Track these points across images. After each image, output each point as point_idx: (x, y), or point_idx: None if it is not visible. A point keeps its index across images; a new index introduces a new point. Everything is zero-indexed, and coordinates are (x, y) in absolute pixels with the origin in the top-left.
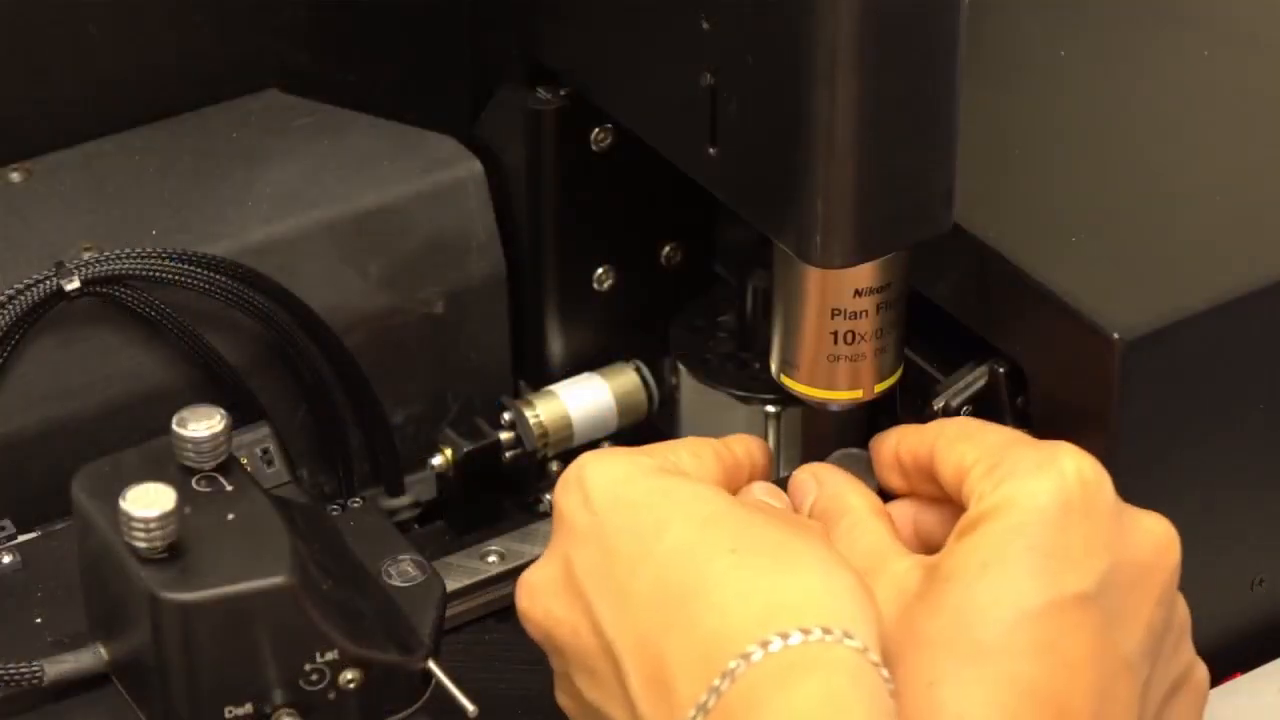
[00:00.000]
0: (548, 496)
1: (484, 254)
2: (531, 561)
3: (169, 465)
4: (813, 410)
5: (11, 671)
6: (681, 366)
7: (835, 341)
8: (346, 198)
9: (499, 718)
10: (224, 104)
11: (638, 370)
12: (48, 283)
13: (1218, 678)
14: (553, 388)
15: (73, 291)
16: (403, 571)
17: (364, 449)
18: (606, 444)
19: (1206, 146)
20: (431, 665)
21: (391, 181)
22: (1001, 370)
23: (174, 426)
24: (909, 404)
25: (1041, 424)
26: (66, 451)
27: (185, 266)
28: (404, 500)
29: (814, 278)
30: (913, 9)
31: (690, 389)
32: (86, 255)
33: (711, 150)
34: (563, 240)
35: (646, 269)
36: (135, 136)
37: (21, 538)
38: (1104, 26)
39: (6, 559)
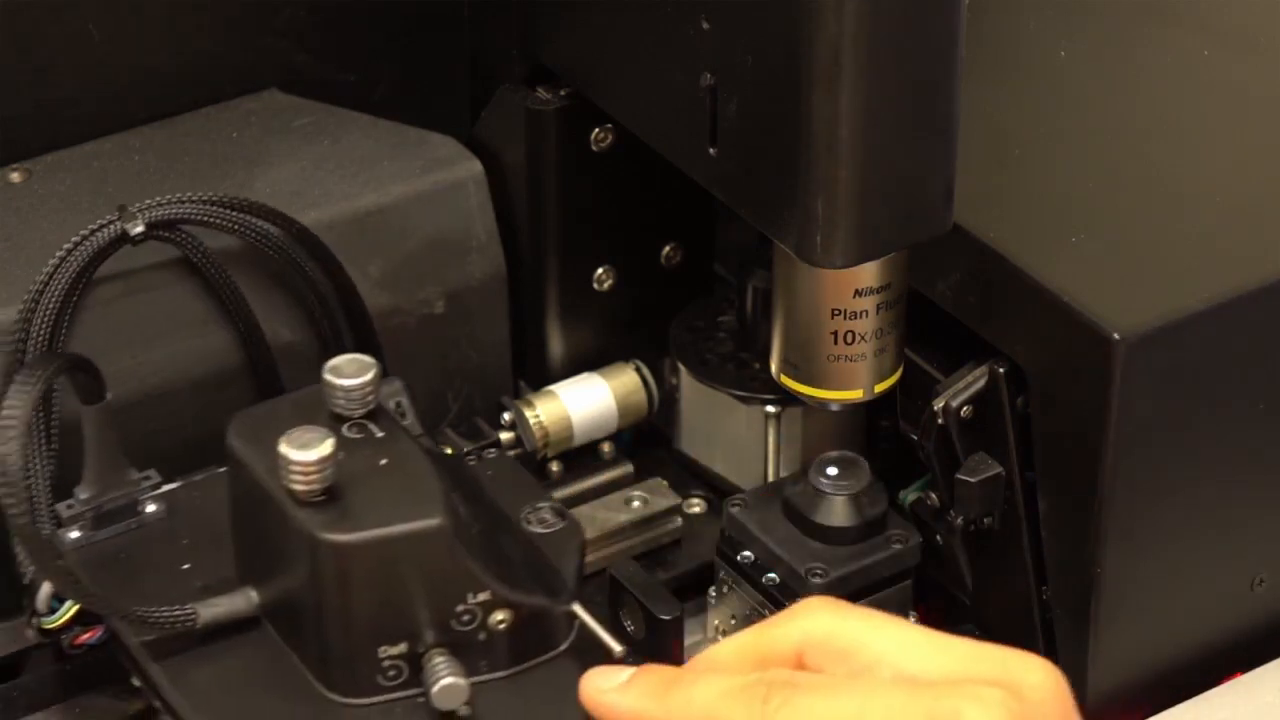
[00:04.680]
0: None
1: (484, 254)
2: None
3: (319, 413)
4: (813, 410)
5: (166, 614)
6: (681, 366)
7: (835, 341)
8: (346, 198)
9: None
10: (224, 104)
11: (638, 370)
12: (111, 227)
13: (1218, 678)
14: (553, 388)
15: (137, 235)
16: (542, 519)
17: None
18: (608, 445)
19: (1206, 146)
20: (577, 608)
21: (391, 181)
22: (1001, 370)
23: (326, 375)
24: (909, 404)
25: (1042, 424)
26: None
27: (244, 216)
28: None
29: (814, 278)
30: (913, 9)
31: (690, 389)
32: (148, 200)
33: (711, 150)
34: (563, 240)
35: (646, 269)
36: (135, 136)
37: (165, 487)
38: (1104, 26)
39: (151, 508)
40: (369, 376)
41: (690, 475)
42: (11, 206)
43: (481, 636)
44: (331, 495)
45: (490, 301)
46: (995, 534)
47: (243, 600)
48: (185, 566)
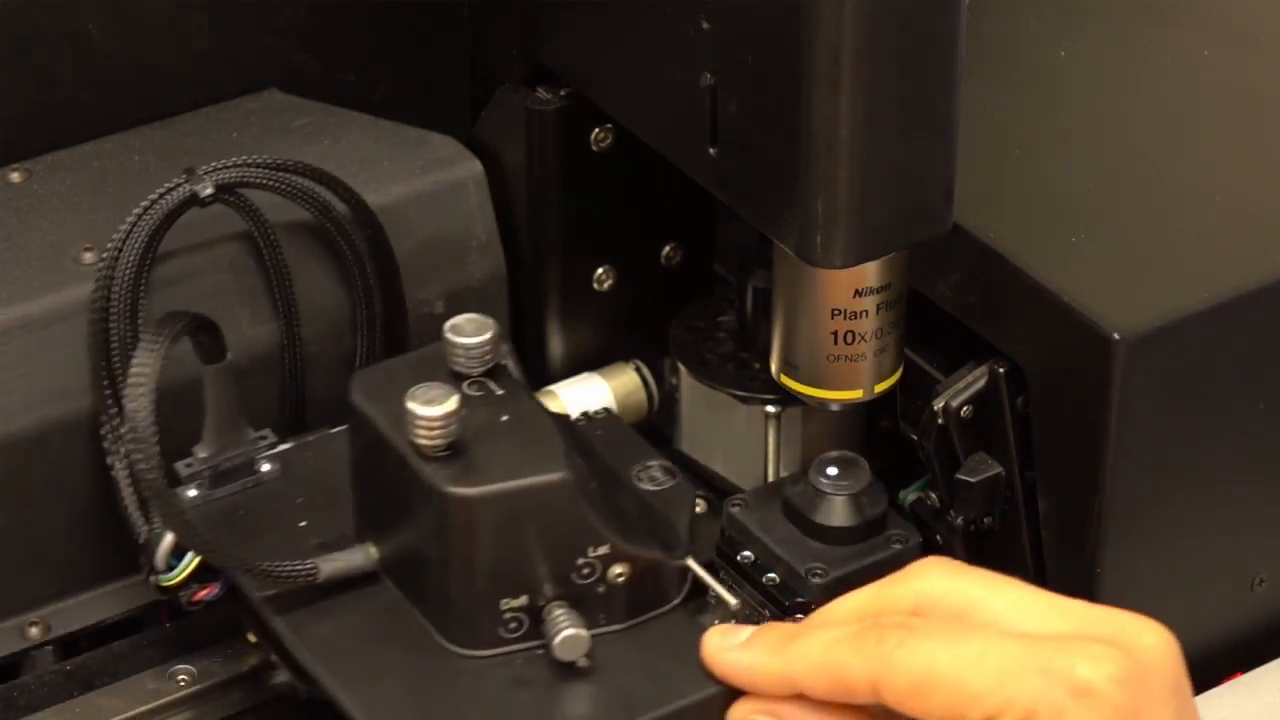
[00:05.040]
0: None
1: (484, 254)
2: None
3: (439, 371)
4: (813, 410)
5: (288, 569)
6: (681, 366)
7: (835, 341)
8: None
9: None
10: (224, 104)
11: (638, 370)
12: (181, 189)
13: (1218, 678)
14: (553, 387)
15: (206, 197)
16: (652, 476)
17: None
18: None
19: (1206, 146)
20: (690, 562)
21: (391, 181)
22: (1001, 370)
23: (447, 333)
24: (909, 404)
25: (1041, 424)
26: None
27: (307, 183)
28: None
29: (814, 278)
30: (913, 9)
31: (690, 389)
32: (215, 163)
33: (711, 150)
34: (563, 240)
35: (646, 269)
36: (135, 136)
37: (280, 447)
38: (1104, 26)
39: (266, 467)
40: (489, 335)
41: (690, 475)
42: (11, 206)
43: (600, 589)
44: (456, 450)
45: (490, 301)
46: (995, 534)
47: (362, 556)
48: (302, 524)
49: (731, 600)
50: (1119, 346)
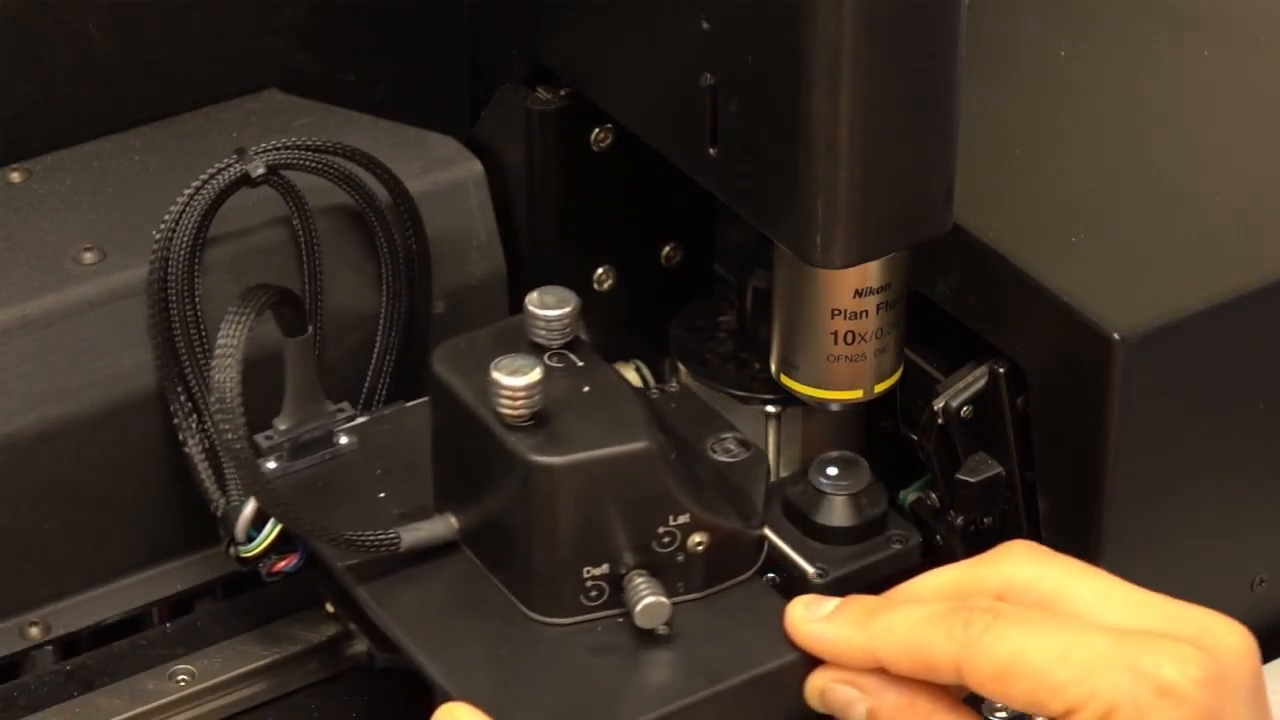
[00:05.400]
0: None
1: (484, 254)
2: None
3: (519, 343)
4: (813, 410)
5: (370, 538)
6: (681, 366)
7: (835, 342)
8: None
9: None
10: (224, 104)
11: (638, 370)
12: (233, 169)
13: None
14: None
15: (258, 177)
16: (727, 448)
17: None
18: None
19: (1206, 146)
20: (767, 531)
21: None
22: (1001, 370)
23: (528, 305)
24: (909, 404)
25: (1041, 424)
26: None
27: (353, 167)
28: None
29: (814, 278)
30: (913, 9)
31: (690, 389)
32: (265, 144)
33: (711, 150)
34: (563, 240)
35: (646, 269)
36: (135, 136)
37: (357, 420)
38: (1104, 26)
39: (344, 439)
40: (570, 308)
41: None
42: (11, 206)
43: (680, 558)
44: (539, 420)
45: (490, 301)
46: (995, 534)
47: (443, 526)
48: (380, 495)
49: (809, 569)
50: (1119, 346)
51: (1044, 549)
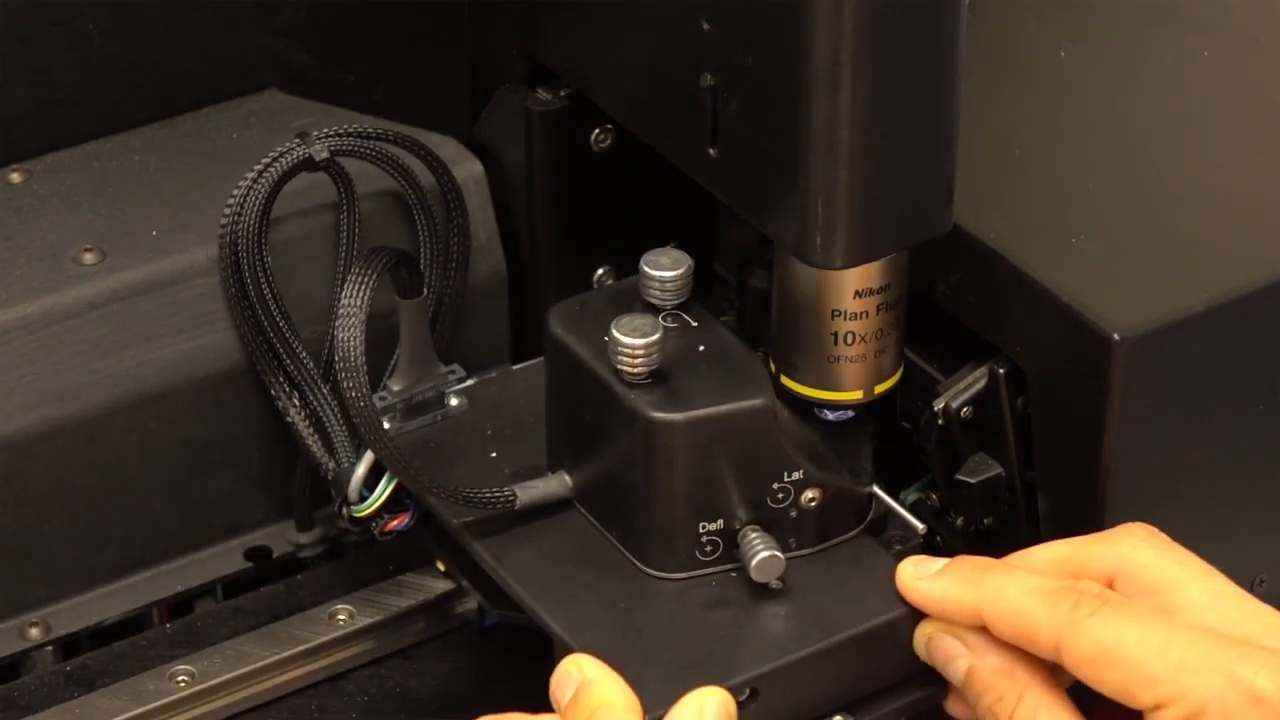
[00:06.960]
0: None
1: (484, 254)
2: None
3: (634, 304)
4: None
5: (487, 495)
6: None
7: (835, 342)
8: None
9: None
10: (224, 104)
11: None
12: (296, 152)
13: None
14: None
15: (322, 160)
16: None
17: None
18: None
19: (1206, 146)
20: (876, 488)
21: None
22: (1001, 370)
23: (643, 266)
24: (909, 404)
25: (1041, 424)
26: None
27: (409, 156)
28: None
29: (814, 279)
30: (913, 9)
31: None
32: (327, 129)
33: (711, 150)
34: (563, 240)
35: None
36: (135, 136)
37: (467, 382)
38: (1104, 26)
39: (454, 401)
40: (685, 269)
41: None
42: (11, 206)
43: (793, 514)
44: (657, 378)
45: (490, 301)
46: (995, 534)
47: (557, 483)
48: (492, 455)
49: (919, 526)
50: (1119, 346)
51: (1163, 536)
